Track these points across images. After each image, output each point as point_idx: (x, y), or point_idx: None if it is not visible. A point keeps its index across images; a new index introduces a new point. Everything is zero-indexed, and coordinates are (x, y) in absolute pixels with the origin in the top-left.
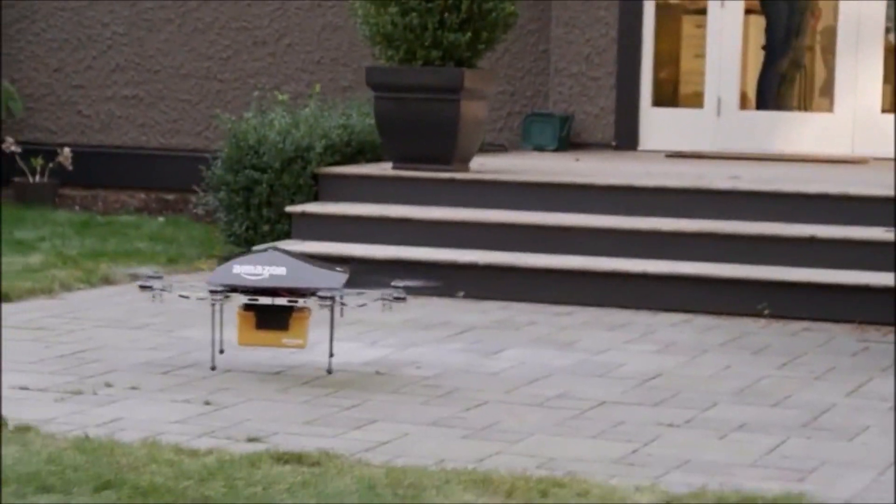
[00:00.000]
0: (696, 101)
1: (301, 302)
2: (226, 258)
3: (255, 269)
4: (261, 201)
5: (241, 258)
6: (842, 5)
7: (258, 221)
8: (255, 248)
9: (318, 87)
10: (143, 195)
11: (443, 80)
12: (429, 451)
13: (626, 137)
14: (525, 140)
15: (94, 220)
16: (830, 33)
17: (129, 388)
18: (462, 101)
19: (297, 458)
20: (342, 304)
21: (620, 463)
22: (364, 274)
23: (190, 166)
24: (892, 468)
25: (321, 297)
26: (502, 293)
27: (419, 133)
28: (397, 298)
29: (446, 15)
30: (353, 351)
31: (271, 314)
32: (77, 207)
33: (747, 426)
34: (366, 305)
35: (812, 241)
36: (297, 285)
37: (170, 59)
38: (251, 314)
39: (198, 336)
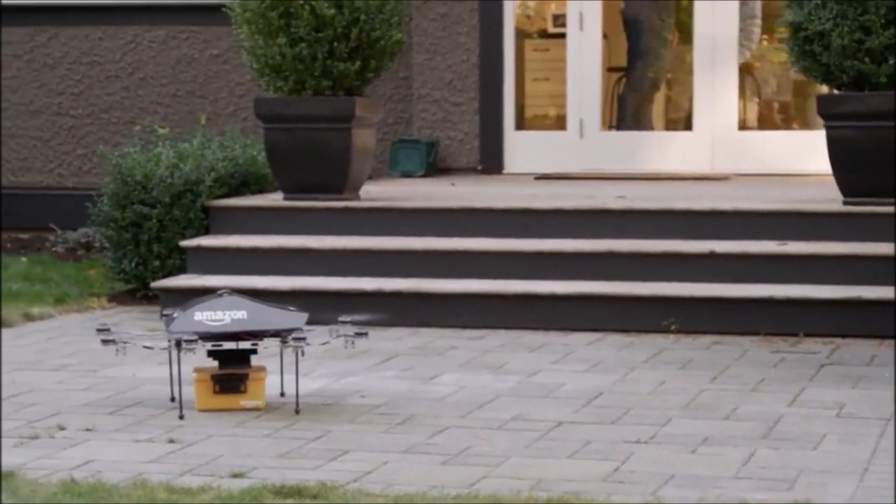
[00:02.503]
0: (559, 123)
1: (263, 344)
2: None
3: (217, 314)
4: (150, 237)
5: (200, 304)
6: (697, 26)
7: (148, 257)
8: (152, 284)
9: (203, 120)
10: None
11: (334, 109)
12: (416, 478)
13: (491, 161)
14: (392, 167)
15: None
16: (687, 53)
17: (84, 430)
18: (353, 130)
19: (297, 492)
20: (307, 343)
21: (609, 481)
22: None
23: (44, 204)
24: (871, 474)
25: (296, 339)
26: (410, 319)
27: (311, 163)
28: (359, 334)
29: (336, 44)
30: (290, 383)
31: (228, 381)
32: None
33: (711, 440)
34: (328, 343)
35: (712, 256)
36: (260, 328)
37: (18, 95)
38: (208, 380)
39: (123, 375)
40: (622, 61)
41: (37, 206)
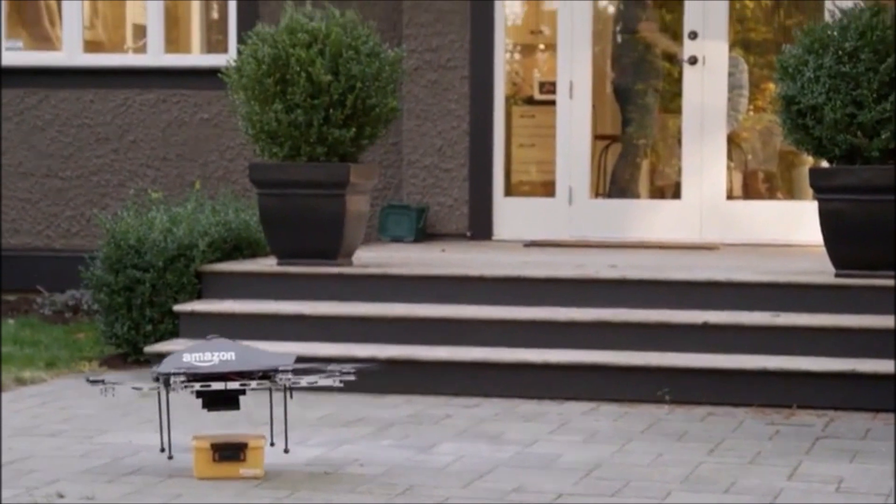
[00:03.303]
0: (547, 190)
1: (253, 384)
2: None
3: (205, 355)
4: (143, 301)
5: (189, 347)
6: (686, 96)
7: (140, 321)
8: (145, 349)
9: (198, 184)
10: None
11: (329, 175)
12: None
13: (480, 228)
14: (381, 232)
15: None
16: (676, 123)
17: (84, 499)
18: (347, 196)
19: None
20: (294, 384)
21: None
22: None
23: (31, 266)
24: None
25: (283, 372)
26: (403, 387)
27: (305, 228)
28: (345, 374)
29: (331, 111)
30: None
31: (228, 449)
32: None
33: None
34: (316, 383)
35: (705, 326)
36: (248, 368)
37: (8, 157)
38: (208, 448)
39: (119, 441)
40: (609, 129)
41: (24, 267)
